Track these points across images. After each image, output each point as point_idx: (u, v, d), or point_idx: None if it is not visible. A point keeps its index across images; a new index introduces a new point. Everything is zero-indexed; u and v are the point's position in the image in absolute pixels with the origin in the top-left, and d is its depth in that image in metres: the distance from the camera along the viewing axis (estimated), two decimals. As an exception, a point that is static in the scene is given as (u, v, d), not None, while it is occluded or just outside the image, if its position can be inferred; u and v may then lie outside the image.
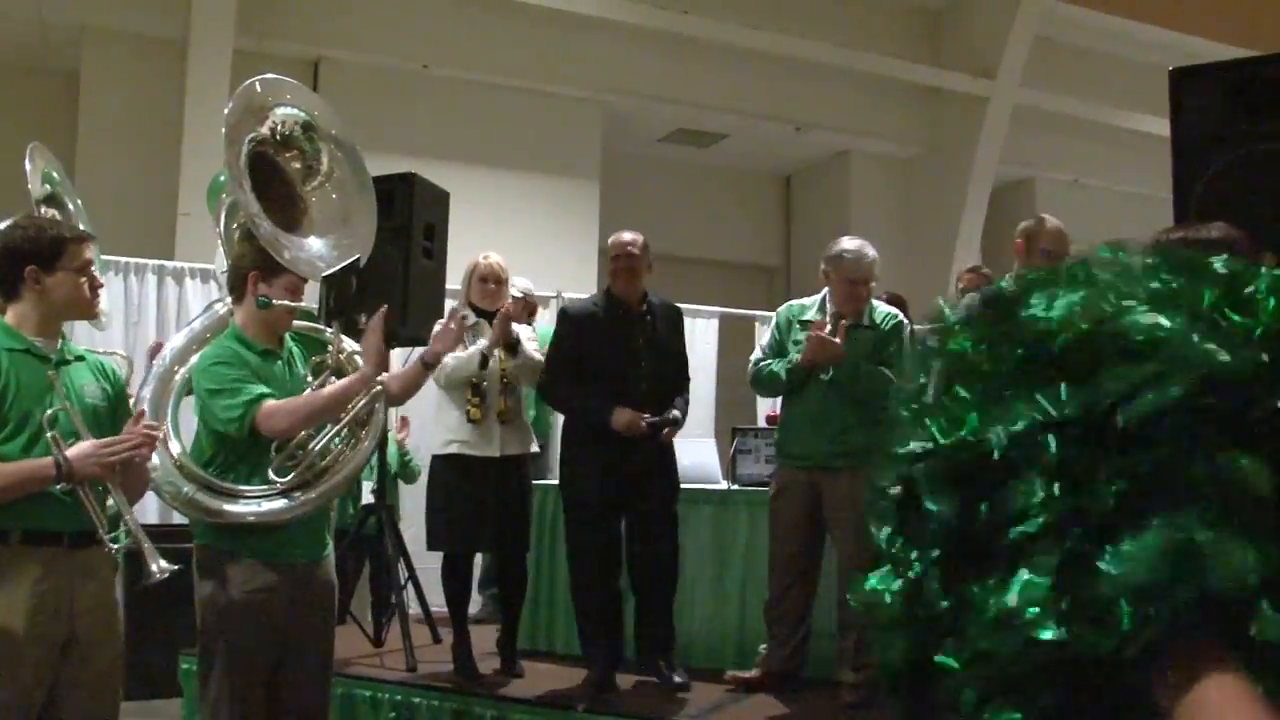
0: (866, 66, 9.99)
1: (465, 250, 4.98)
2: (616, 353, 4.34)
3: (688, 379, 4.58)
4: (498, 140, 8.84)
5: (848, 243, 4.40)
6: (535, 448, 4.87)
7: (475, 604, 6.22)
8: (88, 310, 3.05)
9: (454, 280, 5.03)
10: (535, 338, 4.86)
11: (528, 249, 7.86)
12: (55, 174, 3.66)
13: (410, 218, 4.90)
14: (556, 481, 4.70)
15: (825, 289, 4.40)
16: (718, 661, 4.75)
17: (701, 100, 9.67)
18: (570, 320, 4.52)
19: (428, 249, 5.16)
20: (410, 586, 5.24)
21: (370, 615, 5.44)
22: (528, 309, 5.89)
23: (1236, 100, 3.53)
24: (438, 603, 5.07)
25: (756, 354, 4.55)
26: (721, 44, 9.39)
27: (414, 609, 5.27)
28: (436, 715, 4.30)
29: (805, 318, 4.37)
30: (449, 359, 4.49)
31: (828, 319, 4.27)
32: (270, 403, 3.03)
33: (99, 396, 2.97)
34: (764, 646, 4.38)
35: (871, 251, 4.36)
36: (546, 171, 9.06)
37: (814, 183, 11.27)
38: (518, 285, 5.39)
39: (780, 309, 4.59)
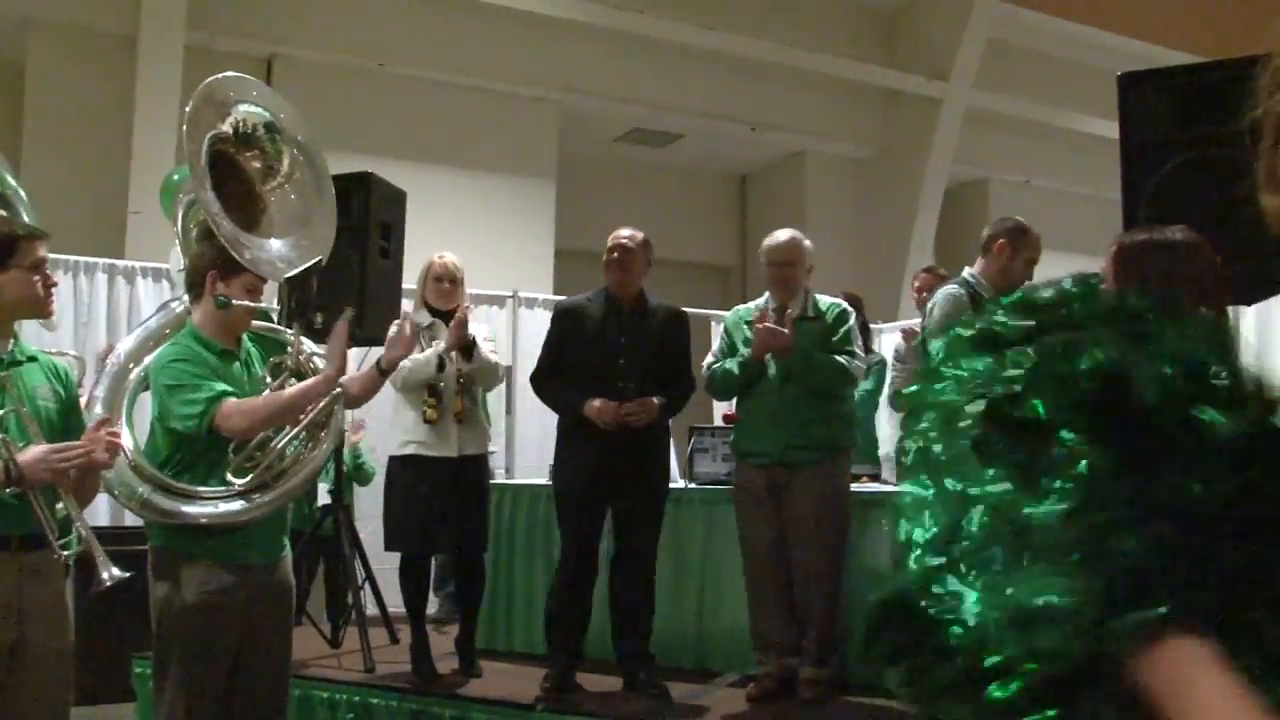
0: (821, 68, 10.06)
1: (422, 250, 4.96)
2: (598, 348, 4.31)
3: (689, 382, 4.47)
4: (454, 139, 8.81)
5: (775, 232, 4.50)
6: (492, 447, 4.86)
7: (432, 604, 6.21)
8: (41, 309, 3.01)
9: (410, 280, 5.02)
10: (490, 335, 4.85)
11: (484, 248, 7.84)
12: (6, 174, 3.60)
13: (367, 217, 4.89)
14: (513, 481, 4.68)
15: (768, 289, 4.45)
16: (675, 659, 4.77)
17: (658, 100, 9.69)
18: (560, 315, 4.50)
19: (384, 249, 5.15)
20: (367, 587, 5.22)
21: (327, 616, 5.41)
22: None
23: (1183, 105, 3.60)
24: (395, 603, 5.05)
25: (709, 359, 4.56)
26: (678, 44, 9.41)
27: (371, 610, 5.24)
28: (394, 716, 4.28)
29: (751, 318, 4.39)
30: (405, 361, 4.49)
31: (770, 311, 4.31)
32: (231, 401, 3.01)
33: (51, 398, 2.93)
34: (757, 654, 4.35)
35: (791, 235, 4.46)
36: (503, 171, 9.04)
37: (769, 183, 11.33)
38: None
39: (728, 315, 4.62)
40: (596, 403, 4.16)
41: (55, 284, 3.03)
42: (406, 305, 5.02)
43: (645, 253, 4.43)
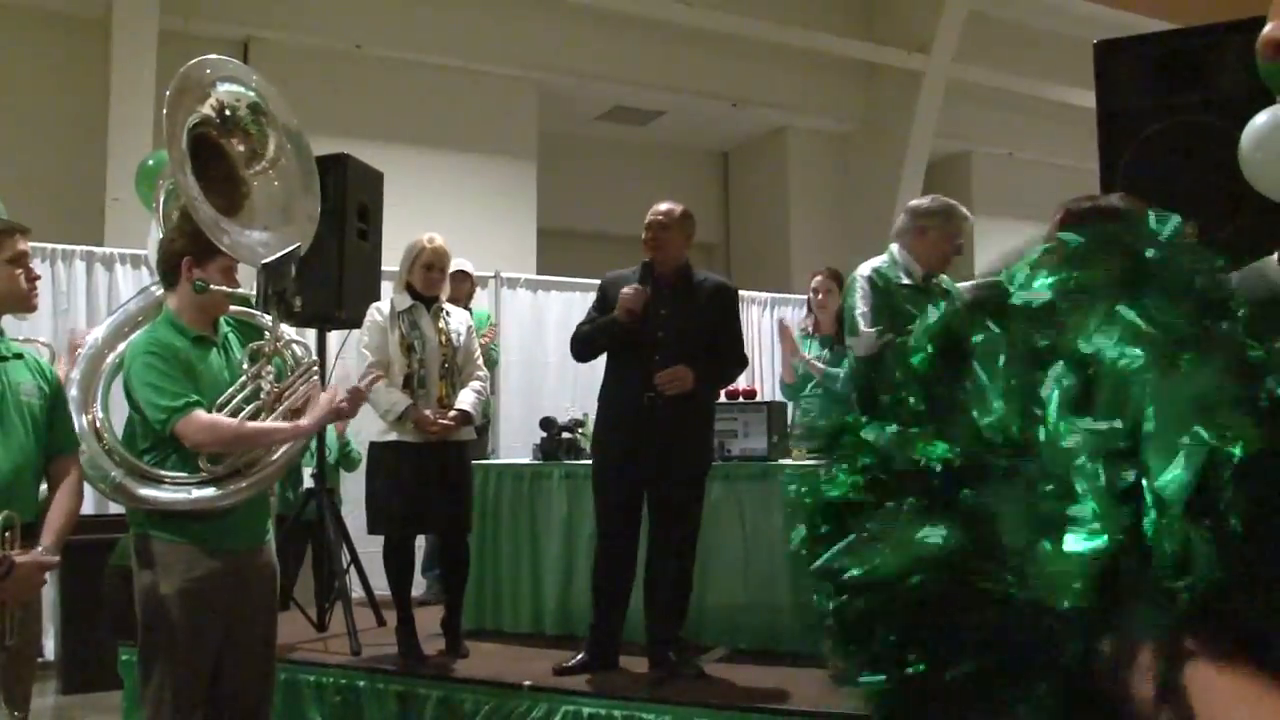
0: (802, 42, 10.03)
1: (400, 231, 4.94)
2: (641, 319, 4.20)
3: (736, 358, 4.39)
4: (432, 120, 8.75)
5: (952, 202, 4.29)
6: (474, 434, 4.84)
7: (419, 586, 6.21)
8: (24, 303, 3.03)
9: (389, 262, 4.99)
10: (471, 323, 4.80)
11: (464, 229, 7.80)
12: None
13: (344, 199, 4.86)
14: (497, 461, 4.65)
15: (895, 247, 4.20)
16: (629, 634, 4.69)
17: (638, 78, 9.64)
18: (605, 285, 4.40)
19: (362, 230, 5.12)
20: (353, 571, 5.22)
21: (314, 600, 5.41)
22: (468, 288, 5.85)
23: (1160, 72, 3.59)
24: (381, 586, 5.04)
25: (865, 325, 4.11)
26: (657, 21, 9.36)
27: (357, 593, 5.24)
28: (381, 698, 4.28)
29: (906, 281, 4.13)
30: (383, 401, 4.44)
31: (920, 280, 4.11)
32: (198, 414, 2.97)
33: (35, 394, 2.94)
34: None
35: None
36: (482, 151, 8.99)
37: (752, 159, 11.30)
38: (456, 265, 5.34)
39: (867, 273, 4.22)
40: (627, 290, 4.11)
41: (38, 277, 3.04)
42: (386, 286, 5.00)
43: (685, 227, 4.34)
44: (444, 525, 4.62)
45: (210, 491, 3.00)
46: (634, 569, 4.31)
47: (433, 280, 4.56)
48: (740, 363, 4.46)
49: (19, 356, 2.97)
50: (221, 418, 3.03)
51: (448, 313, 4.64)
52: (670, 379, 4.10)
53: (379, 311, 4.61)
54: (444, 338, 4.53)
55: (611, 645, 4.33)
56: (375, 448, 4.57)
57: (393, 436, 4.46)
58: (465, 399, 4.52)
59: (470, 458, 4.76)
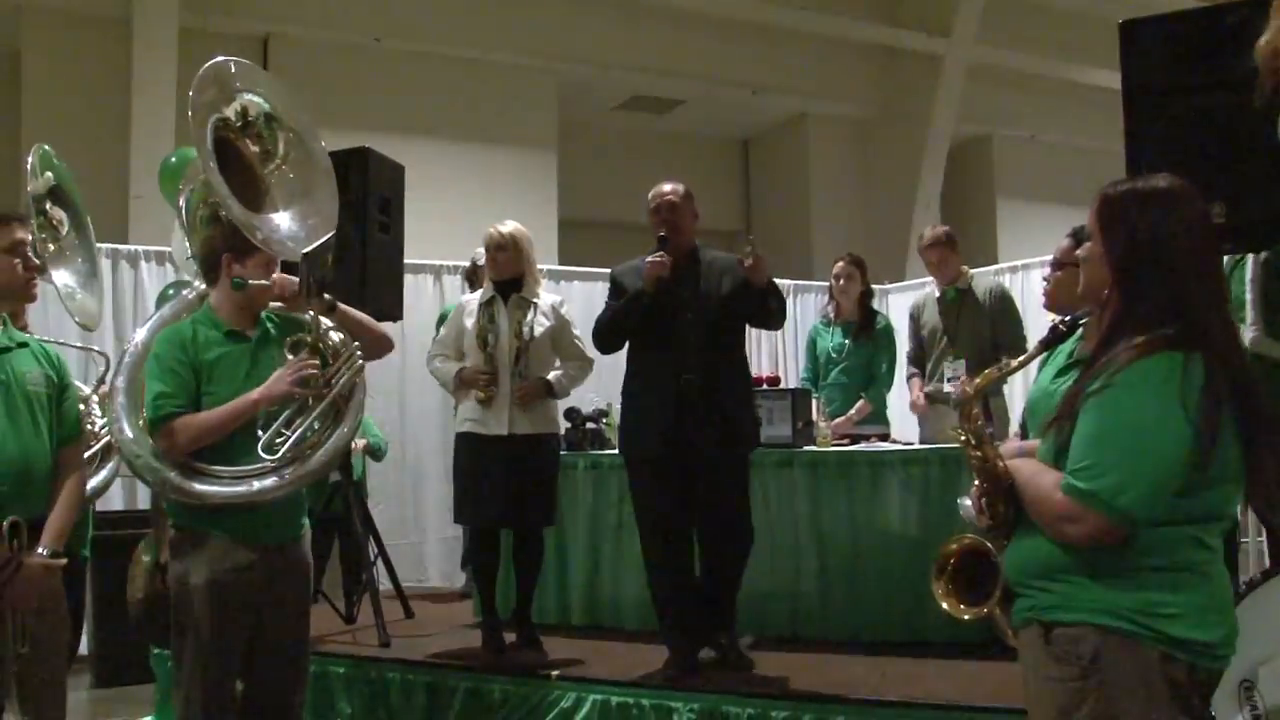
0: (821, 28, 9.98)
1: (423, 224, 4.94)
2: (661, 305, 4.07)
3: (779, 300, 4.17)
4: (452, 112, 8.76)
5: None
6: (559, 425, 4.79)
7: (460, 579, 6.26)
8: (22, 292, 3.02)
9: (412, 254, 5.00)
10: (556, 310, 4.65)
11: (486, 221, 7.72)
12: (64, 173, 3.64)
13: (365, 192, 4.87)
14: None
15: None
16: (650, 623, 4.71)
17: (657, 66, 9.62)
18: (617, 278, 4.29)
19: (384, 223, 5.13)
20: (380, 563, 5.25)
21: (342, 593, 5.45)
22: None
23: (1186, 51, 3.55)
24: (409, 579, 5.07)
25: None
26: (675, 9, 9.33)
27: (385, 585, 5.27)
28: (410, 689, 4.30)
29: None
30: (443, 377, 4.58)
31: None
32: (179, 420, 2.96)
33: (42, 383, 2.95)
34: None
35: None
36: (503, 142, 8.99)
37: (772, 146, 11.27)
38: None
39: None
40: (651, 257, 4.03)
41: (36, 266, 3.02)
42: (409, 279, 5.01)
43: (690, 204, 4.27)
44: (519, 520, 4.55)
45: (266, 482, 2.99)
46: (688, 562, 4.19)
47: (495, 261, 4.58)
48: (782, 303, 4.20)
49: (24, 345, 2.98)
50: (199, 418, 3.00)
51: (528, 304, 4.55)
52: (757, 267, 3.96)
53: (465, 306, 4.66)
54: (516, 329, 4.47)
55: (696, 648, 4.15)
56: (456, 437, 4.62)
57: (466, 427, 4.48)
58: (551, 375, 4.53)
59: (553, 451, 4.62)
